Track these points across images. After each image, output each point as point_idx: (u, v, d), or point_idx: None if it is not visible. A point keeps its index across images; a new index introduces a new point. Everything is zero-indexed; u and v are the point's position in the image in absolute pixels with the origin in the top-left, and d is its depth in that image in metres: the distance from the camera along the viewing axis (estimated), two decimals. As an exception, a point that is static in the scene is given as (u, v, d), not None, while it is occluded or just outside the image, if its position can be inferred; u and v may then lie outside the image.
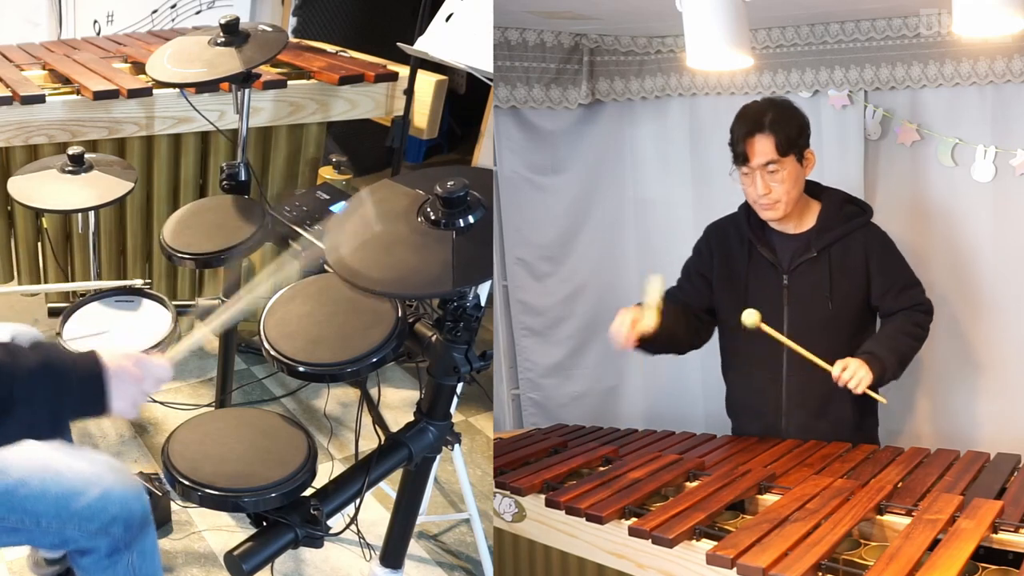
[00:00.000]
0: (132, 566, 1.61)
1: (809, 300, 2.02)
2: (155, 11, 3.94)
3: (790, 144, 1.94)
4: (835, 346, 1.99)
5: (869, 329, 2.09)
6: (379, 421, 1.72)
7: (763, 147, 1.94)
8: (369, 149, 3.95)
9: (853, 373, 1.89)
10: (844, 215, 2.04)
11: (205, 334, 1.51)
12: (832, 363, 1.94)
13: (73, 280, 2.83)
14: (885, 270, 2.02)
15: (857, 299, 2.04)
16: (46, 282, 2.85)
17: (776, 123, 1.94)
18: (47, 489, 1.53)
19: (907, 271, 2.06)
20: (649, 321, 1.89)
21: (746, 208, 2.10)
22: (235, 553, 1.43)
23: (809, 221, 2.05)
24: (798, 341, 1.99)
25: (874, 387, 1.94)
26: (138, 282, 2.23)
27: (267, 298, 1.67)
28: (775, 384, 2.07)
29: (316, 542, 1.50)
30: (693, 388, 2.87)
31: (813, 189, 2.08)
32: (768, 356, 2.06)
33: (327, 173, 2.94)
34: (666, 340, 2.02)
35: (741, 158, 1.97)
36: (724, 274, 2.11)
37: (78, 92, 2.60)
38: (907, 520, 1.50)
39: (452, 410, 1.73)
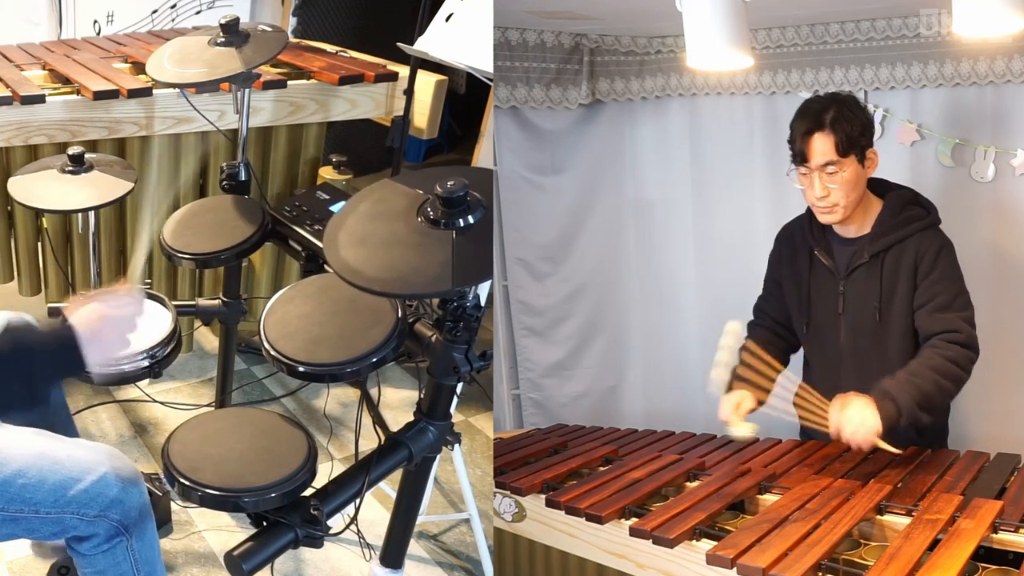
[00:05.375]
0: (131, 550, 1.61)
1: (861, 308, 1.92)
2: (155, 11, 3.94)
3: (851, 144, 1.82)
4: (888, 359, 1.90)
5: None
6: (379, 421, 1.72)
7: (822, 146, 1.83)
8: (369, 149, 3.95)
9: (854, 432, 1.69)
10: (904, 218, 1.90)
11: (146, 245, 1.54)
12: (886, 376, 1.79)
13: (72, 280, 2.82)
14: (927, 281, 1.85)
15: (909, 310, 1.89)
16: (46, 283, 2.85)
17: (837, 121, 1.82)
18: (45, 478, 1.54)
19: (953, 289, 1.85)
20: (747, 404, 1.91)
21: (809, 210, 2.00)
22: (235, 553, 1.43)
23: (869, 223, 1.93)
24: (852, 351, 1.93)
25: (888, 433, 1.72)
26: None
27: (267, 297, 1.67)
28: (832, 394, 1.94)
29: (316, 542, 1.50)
30: (693, 388, 2.87)
31: (880, 188, 1.96)
32: (827, 364, 2.00)
33: (327, 173, 2.94)
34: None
35: (799, 157, 1.87)
36: (791, 280, 2.05)
37: (78, 92, 2.60)
38: (907, 520, 1.50)
39: (452, 410, 1.73)
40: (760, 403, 1.94)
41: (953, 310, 1.83)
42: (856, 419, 1.71)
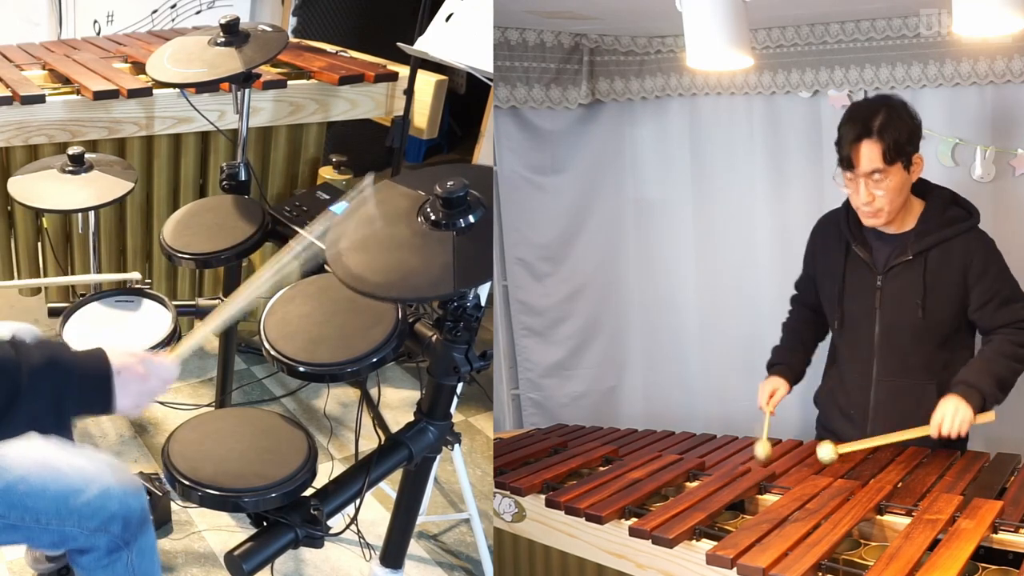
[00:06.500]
0: (131, 564, 1.61)
1: (901, 304, 1.94)
2: (155, 11, 3.94)
3: (898, 151, 1.82)
4: (925, 354, 1.94)
5: (964, 341, 1.99)
6: (379, 421, 1.72)
7: (870, 154, 1.82)
8: (369, 149, 3.95)
9: (951, 423, 1.79)
10: (947, 218, 1.92)
11: (206, 333, 1.51)
12: (922, 371, 1.94)
13: (73, 284, 2.82)
14: (984, 280, 1.90)
15: (952, 308, 1.93)
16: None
17: (885, 128, 1.82)
18: (47, 486, 1.53)
19: (1009, 283, 1.93)
20: (782, 392, 2.06)
21: (847, 203, 2.00)
22: (235, 553, 1.43)
23: (911, 222, 1.94)
24: (887, 347, 1.95)
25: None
26: (135, 275, 2.23)
27: (268, 297, 1.67)
28: (864, 388, 2.01)
29: (316, 542, 1.50)
30: (693, 388, 2.87)
31: (920, 187, 1.96)
32: (860, 359, 2.01)
33: (327, 173, 2.94)
34: (805, 359, 2.16)
35: (846, 163, 1.87)
36: (824, 271, 2.07)
37: (78, 92, 2.60)
38: (907, 520, 1.50)
39: (452, 410, 1.73)
40: (792, 386, 2.08)
41: (1015, 301, 1.92)
42: (953, 416, 1.80)
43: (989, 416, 1.82)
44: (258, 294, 1.53)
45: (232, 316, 1.53)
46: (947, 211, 1.94)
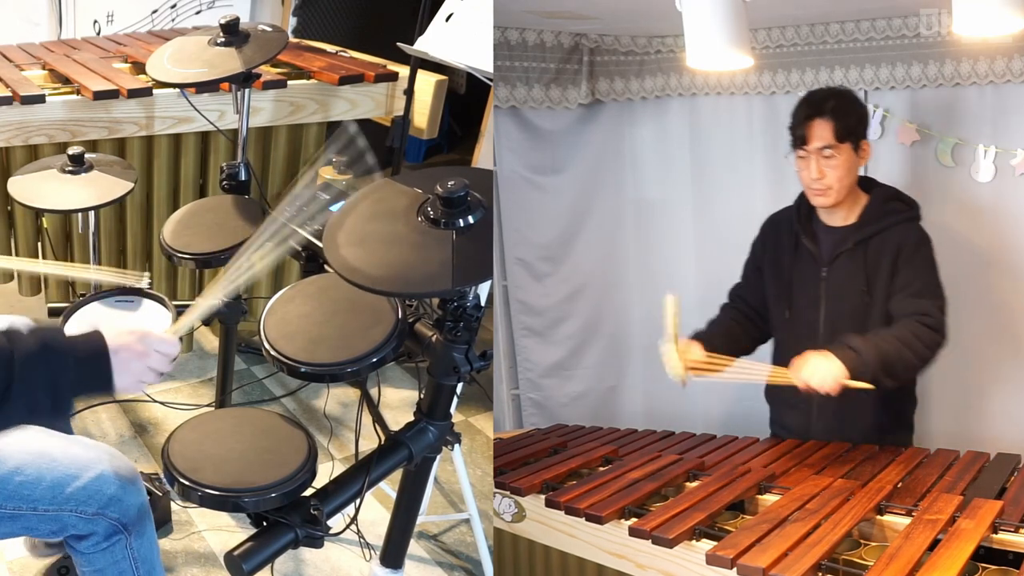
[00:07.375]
0: (130, 548, 1.61)
1: (844, 293, 2.01)
2: (155, 11, 3.94)
3: (848, 132, 1.95)
4: None
5: None
6: (379, 421, 1.72)
7: (821, 131, 1.95)
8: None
9: (821, 377, 1.78)
10: (887, 210, 2.02)
11: (207, 308, 1.54)
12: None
13: (72, 281, 2.82)
14: (906, 269, 1.96)
15: (887, 297, 1.99)
16: (46, 283, 2.85)
17: (837, 110, 1.95)
18: (42, 475, 1.54)
19: (927, 279, 1.95)
20: (695, 354, 1.96)
21: (798, 200, 2.10)
22: (235, 553, 1.43)
23: (855, 215, 2.04)
24: (830, 337, 1.97)
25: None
26: (139, 277, 2.23)
27: (268, 298, 1.67)
28: None
29: (316, 542, 1.50)
30: (693, 388, 2.86)
31: (867, 185, 2.07)
32: (806, 348, 2.00)
33: (327, 173, 2.94)
34: (724, 348, 2.05)
35: (799, 140, 1.98)
36: (772, 265, 2.14)
37: (78, 92, 2.60)
38: (907, 520, 1.50)
39: (452, 410, 1.73)
40: (708, 370, 1.98)
41: (926, 296, 1.92)
42: (819, 367, 1.80)
43: (865, 385, 1.80)
44: (257, 267, 1.54)
45: (229, 291, 1.54)
46: (887, 204, 2.02)
